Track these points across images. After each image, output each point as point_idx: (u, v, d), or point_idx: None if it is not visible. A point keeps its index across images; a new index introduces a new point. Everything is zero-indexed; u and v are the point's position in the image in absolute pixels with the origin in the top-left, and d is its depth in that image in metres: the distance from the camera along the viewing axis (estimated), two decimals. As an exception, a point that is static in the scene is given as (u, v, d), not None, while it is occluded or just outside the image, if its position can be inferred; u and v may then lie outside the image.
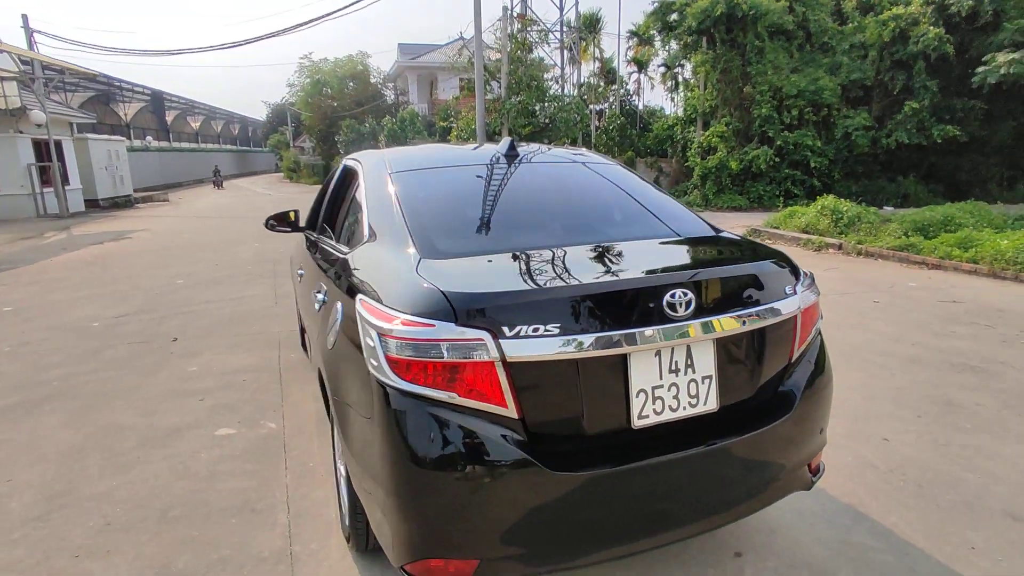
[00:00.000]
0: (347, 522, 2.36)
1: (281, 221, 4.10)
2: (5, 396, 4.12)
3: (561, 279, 1.75)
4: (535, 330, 1.59)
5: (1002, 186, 16.76)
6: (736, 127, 16.76)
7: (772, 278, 1.95)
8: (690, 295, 1.72)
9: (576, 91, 20.23)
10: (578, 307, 1.65)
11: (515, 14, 18.18)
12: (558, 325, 1.60)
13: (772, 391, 1.96)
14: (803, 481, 2.08)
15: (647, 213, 2.39)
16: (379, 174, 2.49)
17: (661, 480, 1.73)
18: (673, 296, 1.70)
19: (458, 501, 1.62)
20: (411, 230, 2.05)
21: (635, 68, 29.30)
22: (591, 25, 25.70)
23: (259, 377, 4.37)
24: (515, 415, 1.61)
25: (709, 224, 2.42)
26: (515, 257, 1.93)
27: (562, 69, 20.40)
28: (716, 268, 1.88)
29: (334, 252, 2.57)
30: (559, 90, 19.49)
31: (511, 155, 2.66)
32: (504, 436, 1.61)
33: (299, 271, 3.50)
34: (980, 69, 14.41)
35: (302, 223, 4.19)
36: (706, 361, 1.78)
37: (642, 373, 1.70)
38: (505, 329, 1.58)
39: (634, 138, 21.09)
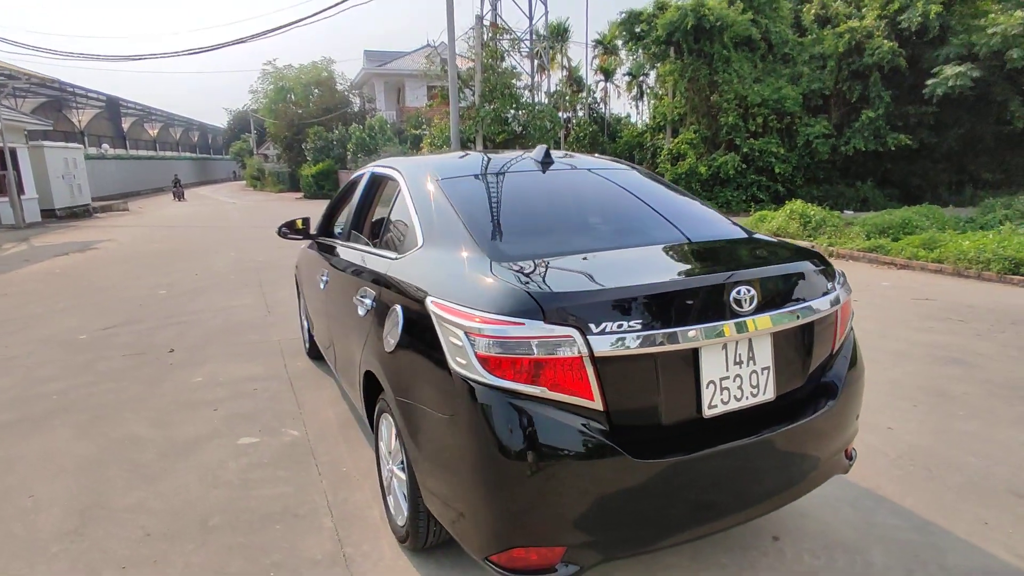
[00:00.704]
0: (401, 522, 2.40)
1: (292, 229, 4.15)
2: (4, 412, 3.99)
3: (636, 278, 1.85)
4: (619, 326, 1.69)
5: (951, 190, 17.68)
6: (704, 134, 17.28)
7: (816, 276, 2.10)
8: (753, 292, 1.85)
9: (548, 99, 20.50)
10: (657, 304, 1.76)
11: (487, 23, 18.35)
12: (640, 321, 1.71)
13: (816, 381, 2.11)
14: (842, 465, 2.23)
15: (686, 216, 2.52)
16: (425, 181, 2.55)
17: (729, 466, 1.84)
18: (739, 293, 1.82)
19: (545, 490, 1.70)
20: (473, 235, 2.13)
21: (602, 77, 29.87)
22: (559, 34, 26.09)
23: (269, 386, 4.34)
24: (600, 407, 1.70)
25: (741, 227, 2.56)
26: (580, 259, 2.03)
27: (532, 77, 20.65)
28: (773, 267, 2.01)
29: (378, 258, 2.61)
30: (530, 98, 19.71)
31: (547, 162, 2.76)
32: (590, 427, 1.70)
33: (321, 278, 3.50)
34: (930, 81, 15.25)
35: (313, 230, 4.22)
36: (765, 353, 1.91)
37: (711, 365, 1.81)
38: (591, 326, 1.67)
39: (605, 145, 21.47)
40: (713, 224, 2.51)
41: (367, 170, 3.42)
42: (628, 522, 1.76)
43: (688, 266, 2.04)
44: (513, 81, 18.36)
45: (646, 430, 1.78)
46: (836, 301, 2.11)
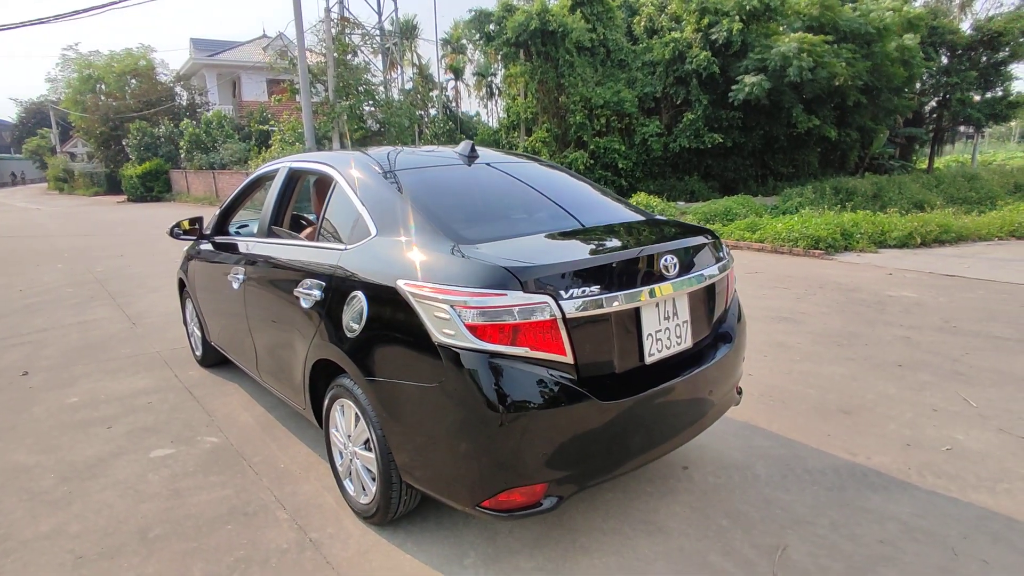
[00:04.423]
0: (365, 500, 2.52)
1: (183, 230, 4.02)
2: None
3: (589, 253, 2.18)
4: (582, 292, 2.01)
5: (757, 182, 20.71)
6: (555, 133, 18.43)
7: (714, 246, 2.60)
8: (676, 260, 2.28)
9: (404, 97, 20.42)
10: (610, 273, 2.11)
11: (335, 16, 17.80)
12: (598, 287, 2.05)
13: (716, 331, 2.61)
14: (735, 399, 2.77)
15: (601, 201, 2.92)
16: (367, 176, 2.67)
17: (666, 402, 2.26)
18: (666, 261, 2.24)
19: (528, 435, 1.98)
20: (432, 222, 2.32)
21: (451, 75, 30.27)
22: (407, 31, 26.01)
23: (166, 397, 4.07)
24: (571, 361, 2.02)
25: (641, 210, 3.02)
26: (533, 240, 2.32)
27: (385, 74, 20.43)
28: (686, 240, 2.46)
29: (321, 250, 2.68)
30: (384, 94, 19.49)
31: (473, 155, 3.00)
32: (564, 378, 2.01)
33: (235, 277, 3.40)
34: (735, 87, 17.72)
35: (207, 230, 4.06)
36: (684, 309, 2.36)
37: (650, 321, 2.21)
38: (561, 293, 1.98)
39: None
40: (624, 208, 2.94)
41: (280, 166, 3.39)
42: (596, 455, 2.10)
43: (625, 242, 2.42)
44: (368, 77, 18.03)
45: (605, 378, 2.13)
46: (727, 267, 2.63)
